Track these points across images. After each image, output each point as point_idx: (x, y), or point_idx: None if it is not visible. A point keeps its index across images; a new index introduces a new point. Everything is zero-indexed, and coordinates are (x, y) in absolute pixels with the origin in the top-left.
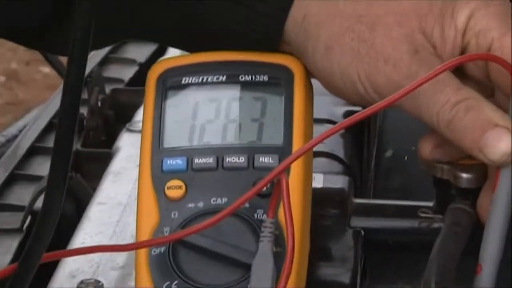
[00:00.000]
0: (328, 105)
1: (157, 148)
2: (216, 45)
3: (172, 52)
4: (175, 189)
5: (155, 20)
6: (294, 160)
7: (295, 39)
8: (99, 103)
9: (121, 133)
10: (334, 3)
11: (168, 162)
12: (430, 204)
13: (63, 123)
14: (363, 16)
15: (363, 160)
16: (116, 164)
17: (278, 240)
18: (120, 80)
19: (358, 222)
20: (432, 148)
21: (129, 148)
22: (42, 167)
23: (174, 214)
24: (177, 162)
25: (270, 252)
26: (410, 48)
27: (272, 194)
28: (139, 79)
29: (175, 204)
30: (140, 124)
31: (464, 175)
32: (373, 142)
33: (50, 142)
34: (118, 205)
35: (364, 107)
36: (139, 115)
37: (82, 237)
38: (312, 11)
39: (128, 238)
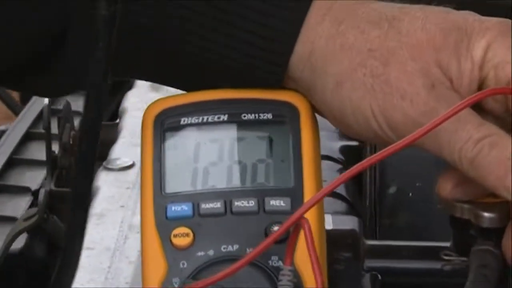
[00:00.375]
0: (323, 141)
1: (160, 193)
2: (215, 83)
3: (140, 84)
4: (182, 237)
5: (151, 60)
6: (315, 203)
7: (300, 75)
8: (71, 140)
9: (98, 172)
10: (343, 36)
11: (173, 208)
12: (447, 244)
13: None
14: (375, 50)
15: (366, 197)
16: (97, 206)
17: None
18: None
19: (373, 264)
20: (452, 187)
21: (108, 187)
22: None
23: (183, 264)
24: (183, 208)
25: None
26: (426, 82)
27: (288, 240)
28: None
29: (183, 252)
30: (118, 162)
31: (487, 215)
32: (374, 179)
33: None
34: (106, 250)
35: (376, 144)
36: (115, 153)
37: (74, 286)
38: (320, 46)
39: (121, 285)
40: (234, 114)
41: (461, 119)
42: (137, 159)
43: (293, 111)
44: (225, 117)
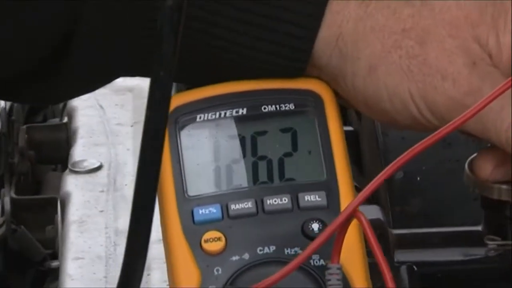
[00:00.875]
0: None
1: (183, 196)
2: (232, 75)
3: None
4: (213, 241)
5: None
6: (371, 192)
7: (327, 62)
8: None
9: (64, 176)
10: (372, 18)
11: (200, 211)
12: (478, 228)
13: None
14: (409, 29)
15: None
16: (74, 213)
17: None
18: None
19: (405, 255)
20: (493, 168)
21: (81, 192)
22: None
23: (217, 270)
24: (211, 211)
25: None
26: (467, 61)
27: (337, 237)
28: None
29: (216, 258)
30: (85, 164)
31: None
32: (378, 164)
33: None
34: (98, 258)
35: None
36: (77, 154)
37: None
38: (348, 29)
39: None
40: (253, 106)
41: (507, 96)
42: (103, 160)
43: (317, 99)
44: (244, 111)
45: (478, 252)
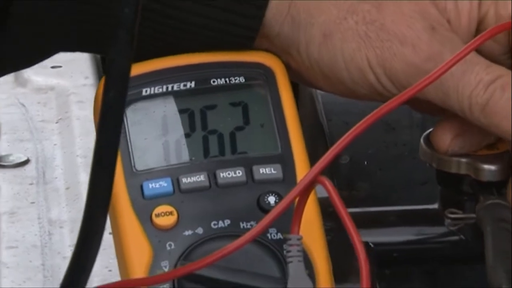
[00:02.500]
0: None
1: (131, 171)
2: (181, 46)
3: (3, 80)
4: (165, 216)
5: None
6: (332, 158)
7: (279, 31)
8: None
9: None
10: None
11: (150, 185)
12: (434, 206)
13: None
14: None
15: None
16: (4, 205)
17: (304, 260)
18: None
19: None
20: (452, 139)
21: (10, 185)
22: None
23: (170, 245)
24: (161, 185)
25: (304, 273)
26: (426, 25)
27: (296, 207)
28: None
29: (168, 233)
30: (12, 158)
31: (487, 167)
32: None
33: None
34: (33, 247)
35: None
36: (2, 149)
37: (9, 286)
38: None
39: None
40: (202, 80)
41: (468, 61)
42: (29, 154)
43: (268, 72)
44: (192, 84)
45: (434, 231)
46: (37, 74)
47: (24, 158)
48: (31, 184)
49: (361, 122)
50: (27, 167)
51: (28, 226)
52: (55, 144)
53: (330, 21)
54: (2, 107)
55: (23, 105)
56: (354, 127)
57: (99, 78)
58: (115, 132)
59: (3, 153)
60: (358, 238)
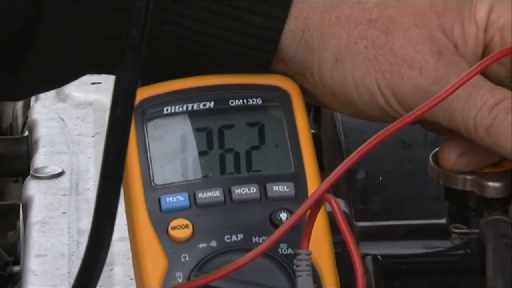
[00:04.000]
0: None
1: (150, 185)
2: (198, 67)
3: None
4: (180, 228)
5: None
6: (339, 177)
7: (293, 55)
8: None
9: (26, 182)
10: (338, 9)
11: (168, 199)
12: (442, 221)
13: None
14: (375, 20)
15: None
16: (37, 214)
17: (313, 275)
18: None
19: (369, 247)
20: (457, 157)
21: (44, 196)
22: None
23: (185, 257)
24: (178, 199)
25: (312, 286)
26: (433, 49)
27: (306, 223)
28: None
29: (183, 245)
30: (47, 170)
31: (492, 184)
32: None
33: None
34: (61, 256)
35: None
36: (39, 162)
37: None
38: (314, 21)
39: None
40: (221, 100)
41: (473, 84)
42: (64, 166)
43: (284, 95)
44: (211, 104)
45: (441, 245)
46: (77, 90)
47: (59, 170)
48: (64, 195)
49: (369, 141)
50: (61, 178)
51: (58, 235)
52: (89, 157)
53: (341, 46)
54: (43, 121)
55: (62, 119)
56: (362, 146)
57: None
58: (121, 148)
59: (39, 165)
60: (358, 255)
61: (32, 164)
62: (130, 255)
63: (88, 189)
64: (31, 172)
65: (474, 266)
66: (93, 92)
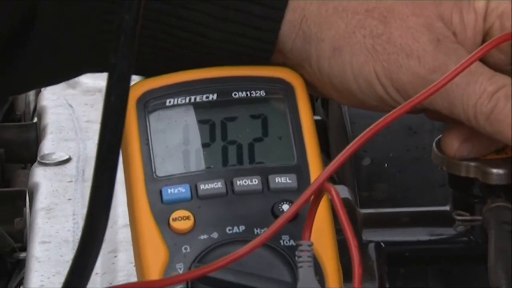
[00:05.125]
0: None
1: (151, 176)
2: (198, 59)
3: None
4: (182, 220)
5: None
6: (339, 166)
7: (292, 46)
8: None
9: (33, 168)
10: None
11: (169, 191)
12: (446, 208)
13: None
14: (372, 9)
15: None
16: (42, 201)
17: (315, 266)
18: None
19: (373, 234)
20: (459, 144)
21: (50, 182)
22: None
23: (186, 248)
24: (180, 191)
25: (313, 277)
26: (431, 38)
27: (308, 213)
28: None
29: (184, 237)
30: (54, 157)
31: (495, 171)
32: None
33: None
34: (65, 242)
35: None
36: (46, 148)
37: (39, 280)
38: (311, 12)
39: (92, 277)
40: (224, 92)
41: (473, 72)
42: (71, 153)
43: (287, 87)
44: (215, 96)
45: (445, 232)
46: (87, 77)
47: (66, 157)
48: (70, 181)
49: (367, 130)
50: (68, 165)
51: (62, 222)
52: (97, 144)
53: (339, 36)
54: (52, 107)
55: (71, 106)
56: (360, 136)
57: None
58: (116, 135)
59: (46, 152)
60: (355, 244)
61: (39, 150)
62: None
63: None
64: (38, 158)
65: (478, 253)
66: (103, 79)
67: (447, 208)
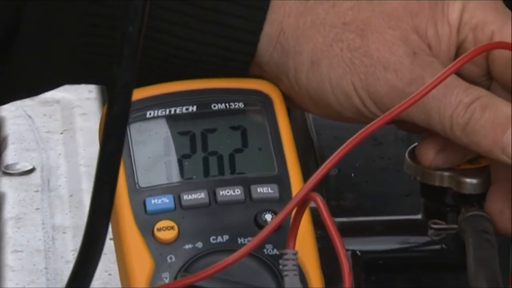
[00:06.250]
0: None
1: (134, 187)
2: (177, 71)
3: None
4: (166, 230)
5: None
6: (322, 176)
7: (269, 59)
8: None
9: None
10: (312, 12)
11: (153, 201)
12: (418, 216)
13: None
14: (349, 22)
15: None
16: (10, 210)
17: (299, 275)
18: None
19: (347, 243)
20: (435, 154)
21: (16, 192)
22: None
23: (171, 258)
24: (163, 201)
25: (299, 285)
26: (407, 50)
27: (292, 222)
28: None
29: (169, 247)
30: (18, 167)
31: (469, 181)
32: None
33: None
34: (37, 251)
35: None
36: (9, 158)
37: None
38: (289, 25)
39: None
40: (203, 104)
41: (448, 84)
42: (35, 163)
43: (266, 99)
44: (194, 108)
45: (418, 240)
46: None
47: (30, 167)
48: (36, 191)
49: (348, 142)
50: (33, 175)
51: (32, 231)
52: (59, 154)
53: (317, 49)
54: (11, 118)
55: (30, 117)
56: (341, 147)
57: (102, 92)
58: (118, 144)
59: (10, 162)
60: (344, 252)
61: (2, 161)
62: (107, 251)
63: (60, 186)
64: (2, 168)
65: (449, 262)
66: (60, 90)
67: (419, 216)
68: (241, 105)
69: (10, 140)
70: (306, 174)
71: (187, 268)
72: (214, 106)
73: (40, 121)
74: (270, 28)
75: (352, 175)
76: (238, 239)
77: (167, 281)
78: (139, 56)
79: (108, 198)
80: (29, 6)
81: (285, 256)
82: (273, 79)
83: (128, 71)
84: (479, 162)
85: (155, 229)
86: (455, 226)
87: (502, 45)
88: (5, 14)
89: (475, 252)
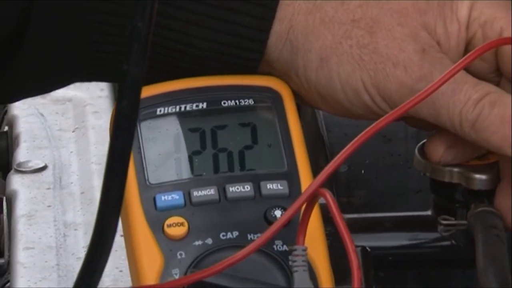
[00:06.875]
0: None
1: (144, 184)
2: (188, 69)
3: None
4: (176, 226)
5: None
6: (332, 171)
7: (278, 56)
8: None
9: (9, 176)
10: (321, 10)
11: (163, 198)
12: (427, 213)
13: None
14: (358, 19)
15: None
16: (22, 208)
17: (309, 271)
18: None
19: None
20: (444, 150)
21: (28, 189)
22: None
23: (181, 254)
24: (173, 197)
25: (308, 281)
26: (416, 47)
27: (301, 218)
28: None
29: (179, 243)
30: (30, 164)
31: (478, 177)
32: (323, 159)
33: None
34: (49, 248)
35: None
36: (21, 156)
37: (26, 285)
38: (298, 22)
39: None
40: (213, 101)
41: (457, 80)
42: (47, 161)
43: (276, 96)
44: (204, 105)
45: (427, 236)
46: None
47: (42, 165)
48: (48, 188)
49: (357, 138)
50: (45, 173)
51: (44, 228)
52: (71, 152)
53: (326, 46)
54: (23, 116)
55: (42, 115)
56: (351, 143)
57: (114, 90)
58: (127, 139)
59: (22, 160)
60: (353, 248)
61: (14, 158)
62: (118, 247)
63: (72, 183)
64: (14, 166)
65: (458, 258)
66: (72, 88)
67: (429, 213)
68: (251, 102)
69: (23, 138)
70: (316, 171)
71: (196, 264)
72: (224, 103)
73: (52, 119)
74: (279, 26)
75: (362, 171)
76: (248, 235)
77: (177, 277)
78: (148, 51)
79: (118, 191)
80: (39, 4)
81: (295, 252)
82: (283, 76)
83: (137, 67)
84: (488, 158)
85: (165, 226)
86: (464, 222)
87: (511, 41)
88: (15, 12)
89: (485, 248)
